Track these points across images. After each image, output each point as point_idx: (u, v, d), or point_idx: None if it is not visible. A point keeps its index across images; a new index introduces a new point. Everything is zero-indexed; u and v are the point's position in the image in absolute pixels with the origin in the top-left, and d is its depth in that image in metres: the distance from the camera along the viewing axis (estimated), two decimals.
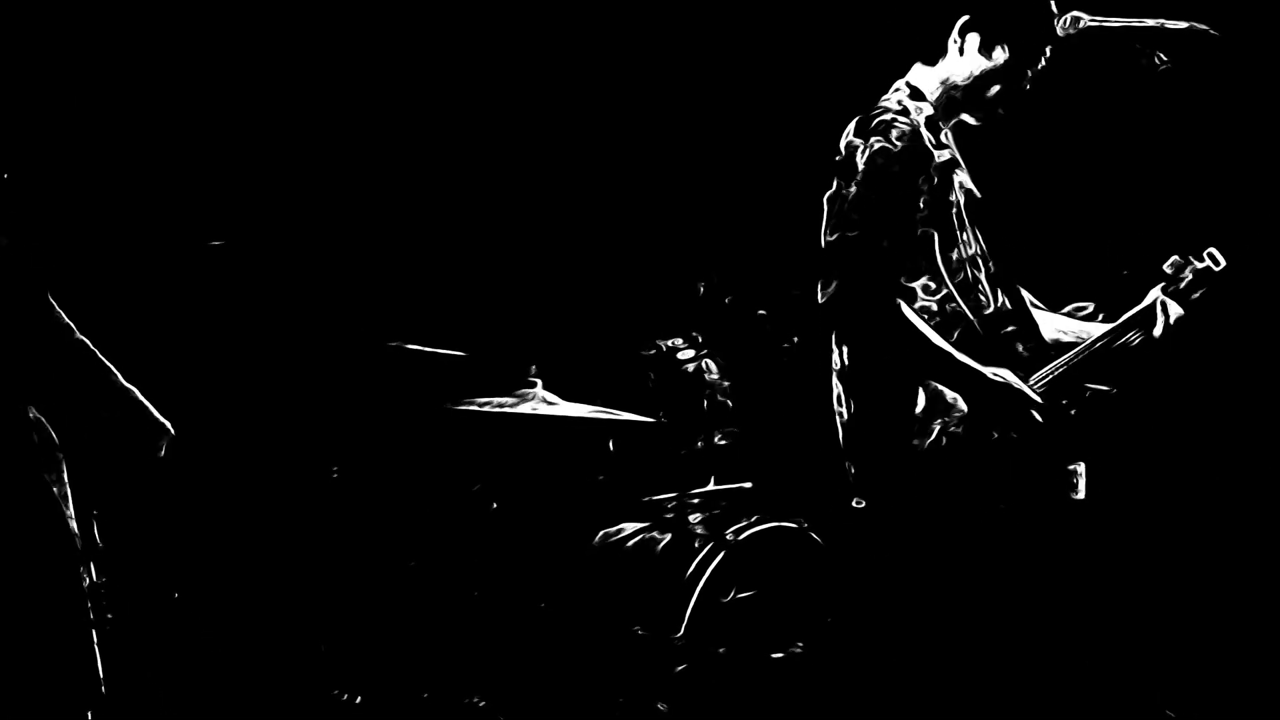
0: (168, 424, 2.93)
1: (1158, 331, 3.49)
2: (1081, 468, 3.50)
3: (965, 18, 3.51)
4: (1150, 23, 3.38)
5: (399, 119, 5.17)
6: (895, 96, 3.54)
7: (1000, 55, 3.52)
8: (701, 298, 4.77)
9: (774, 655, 4.27)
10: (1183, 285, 3.52)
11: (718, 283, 4.76)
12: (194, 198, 4.83)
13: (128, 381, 2.92)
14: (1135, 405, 3.62)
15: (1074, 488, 3.49)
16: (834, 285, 3.39)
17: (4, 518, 2.72)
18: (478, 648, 4.35)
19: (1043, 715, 3.49)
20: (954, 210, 3.52)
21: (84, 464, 2.80)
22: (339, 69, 5.08)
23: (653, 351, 4.64)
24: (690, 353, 4.61)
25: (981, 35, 3.51)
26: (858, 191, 3.40)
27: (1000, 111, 3.58)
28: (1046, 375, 3.49)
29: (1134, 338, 3.52)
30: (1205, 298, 3.50)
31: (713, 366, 4.60)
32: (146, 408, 2.92)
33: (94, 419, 2.83)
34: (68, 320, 2.87)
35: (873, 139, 3.42)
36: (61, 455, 2.77)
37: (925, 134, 3.49)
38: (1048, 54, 3.53)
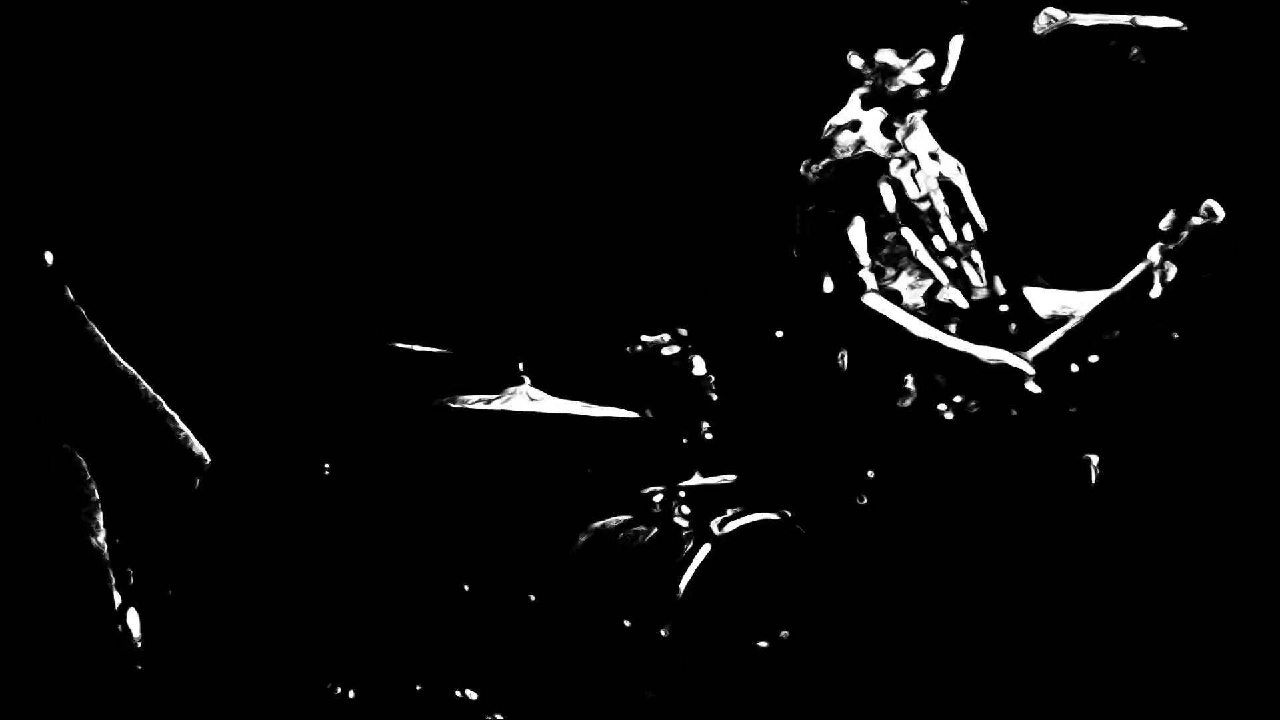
0: (205, 454, 2.73)
1: (1155, 293, 3.48)
2: (1095, 459, 3.52)
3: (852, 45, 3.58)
4: (1126, 20, 3.42)
5: (386, 119, 5.18)
6: (846, 110, 3.63)
7: (885, 56, 3.57)
8: (686, 292, 4.78)
9: (761, 646, 4.30)
10: (1180, 243, 3.48)
11: (702, 277, 4.78)
12: (181, 197, 4.83)
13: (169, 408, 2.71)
14: (1146, 393, 3.61)
15: (1088, 477, 3.51)
16: (807, 298, 3.47)
17: (37, 558, 2.57)
18: (468, 642, 4.37)
19: (1033, 708, 3.51)
20: (926, 204, 3.57)
21: (117, 499, 2.62)
22: (323, 68, 5.09)
23: (638, 347, 4.65)
24: (675, 348, 4.62)
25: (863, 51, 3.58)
26: (813, 211, 3.52)
27: (930, 95, 3.61)
28: (1041, 351, 3.51)
29: (1132, 304, 3.52)
30: (1204, 256, 3.47)
31: (698, 361, 4.62)
32: (188, 439, 2.72)
33: (132, 452, 2.64)
34: (107, 344, 2.68)
35: (819, 161, 3.52)
36: (96, 492, 2.60)
37: (878, 140, 3.57)
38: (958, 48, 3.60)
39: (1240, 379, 4.57)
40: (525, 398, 4.50)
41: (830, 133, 3.59)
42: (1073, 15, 3.43)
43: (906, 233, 3.54)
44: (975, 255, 3.62)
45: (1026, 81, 4.57)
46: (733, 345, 4.76)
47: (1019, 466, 3.48)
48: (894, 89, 3.62)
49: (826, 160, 3.55)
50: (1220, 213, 3.46)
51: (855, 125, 3.60)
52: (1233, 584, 4.46)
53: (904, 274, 3.53)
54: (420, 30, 5.20)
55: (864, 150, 3.55)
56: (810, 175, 3.54)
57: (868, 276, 3.46)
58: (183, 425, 2.67)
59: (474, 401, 4.45)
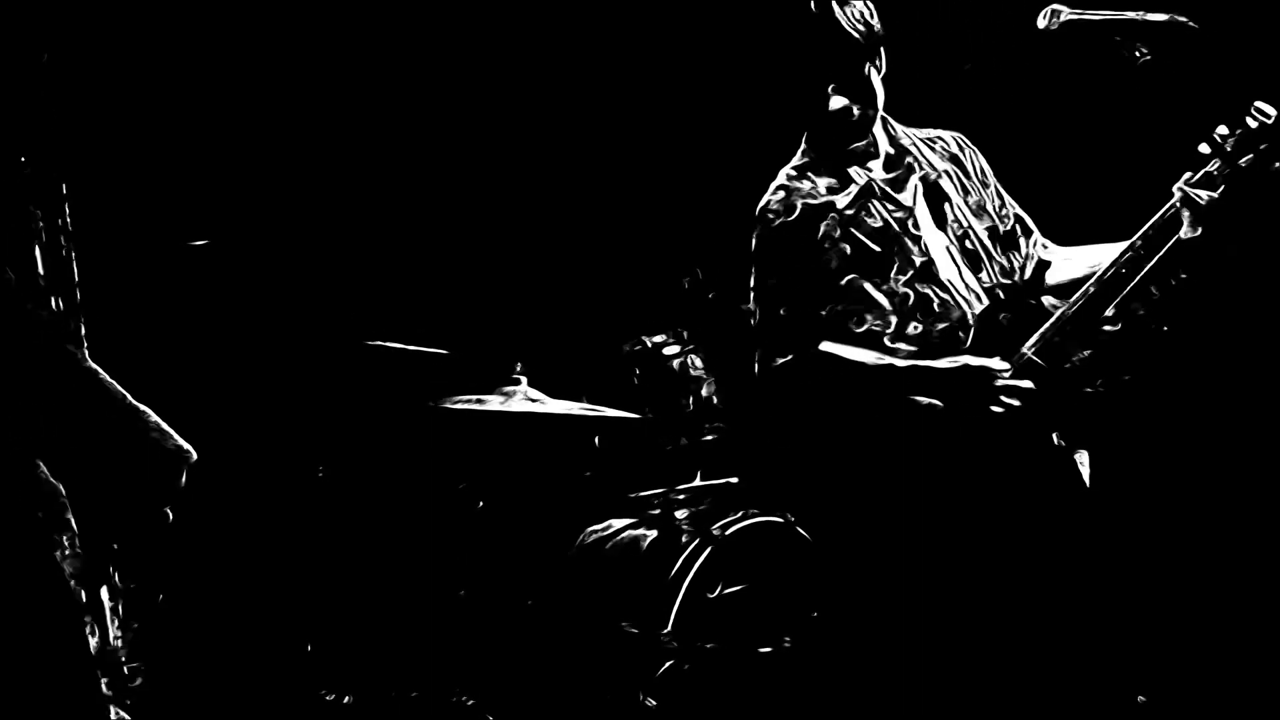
0: (190, 449, 2.51)
1: (1186, 232, 3.30)
2: (1085, 456, 3.49)
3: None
4: (1130, 15, 3.39)
5: (382, 118, 5.17)
6: (795, 158, 3.63)
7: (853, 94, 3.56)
8: (686, 293, 4.77)
9: (761, 650, 4.28)
10: (1220, 162, 3.28)
11: (702, 278, 4.76)
12: (176, 197, 4.82)
13: (140, 402, 2.50)
14: (1135, 388, 3.55)
15: (1078, 476, 3.48)
16: (764, 359, 3.49)
17: (7, 590, 2.43)
18: (465, 646, 4.36)
19: (1032, 709, 3.49)
20: (883, 237, 3.55)
21: (97, 518, 2.46)
22: (320, 67, 5.08)
23: (638, 348, 4.64)
24: (675, 348, 4.61)
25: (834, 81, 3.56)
26: (756, 280, 3.56)
27: (851, 122, 3.58)
28: (1044, 332, 3.45)
29: (1158, 249, 3.37)
30: (1255, 166, 3.24)
31: (698, 362, 4.60)
32: (166, 433, 2.50)
33: (106, 457, 2.46)
34: (75, 350, 2.52)
35: (755, 228, 3.55)
36: (71, 517, 2.45)
37: (825, 184, 3.56)
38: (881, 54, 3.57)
39: (1229, 373, 4.55)
40: (523, 398, 4.47)
41: (766, 198, 3.59)
42: (1077, 11, 3.40)
43: (860, 279, 3.53)
44: (949, 270, 3.59)
45: (1029, 77, 4.56)
46: (734, 345, 4.74)
47: (1009, 467, 3.46)
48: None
49: (762, 227, 3.56)
50: (1272, 112, 3.25)
51: (801, 173, 3.60)
52: (1224, 580, 4.45)
53: (869, 315, 3.52)
54: (417, 29, 5.19)
55: (800, 206, 3.55)
56: (752, 247, 3.56)
57: (823, 327, 3.47)
58: (159, 420, 2.51)
59: (471, 402, 4.43)
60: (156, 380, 4.20)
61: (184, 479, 2.53)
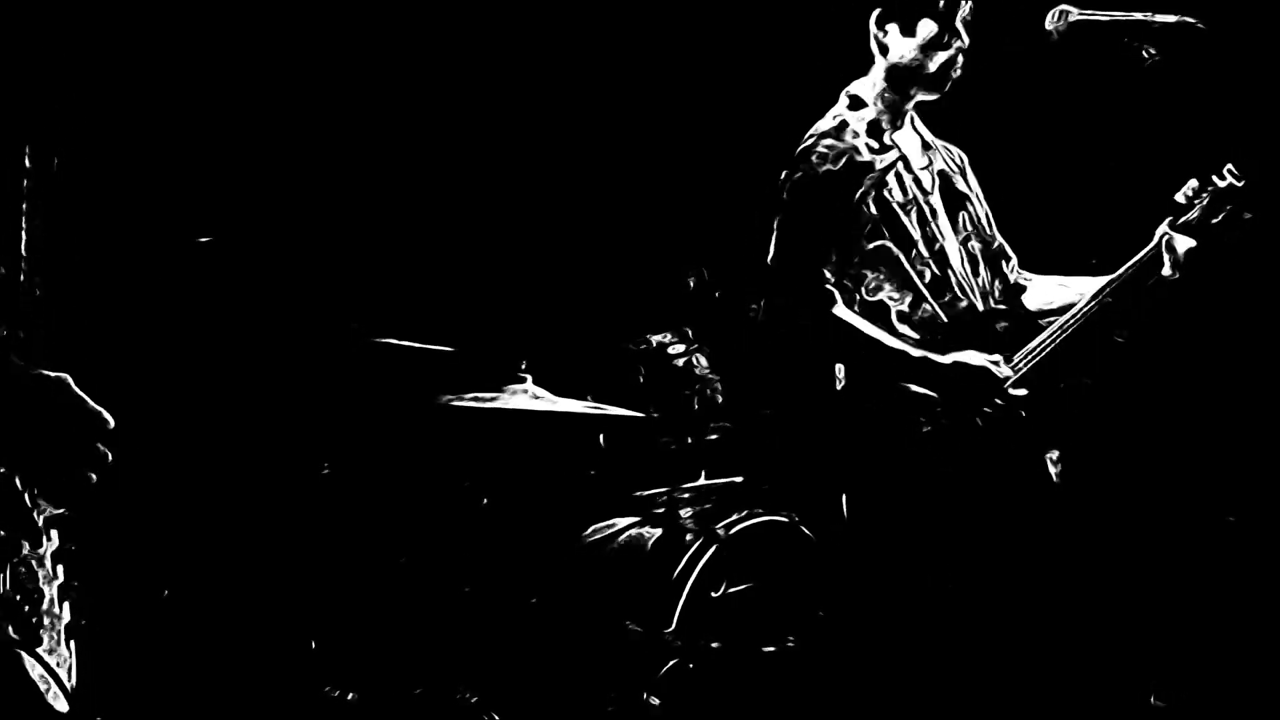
0: (107, 415, 2.37)
1: (1167, 271, 3.43)
2: (1055, 454, 3.51)
3: (877, 11, 3.58)
4: (1139, 16, 3.39)
5: (385, 115, 5.17)
6: (833, 113, 3.62)
7: (924, 30, 3.56)
8: (692, 292, 4.77)
9: (766, 649, 4.28)
10: (1197, 213, 3.43)
11: (708, 277, 4.76)
12: (180, 194, 4.82)
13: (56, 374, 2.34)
14: (1121, 387, 3.59)
15: (1049, 474, 3.50)
16: (773, 307, 3.49)
17: None
18: (469, 644, 4.35)
19: (1033, 707, 3.50)
20: (911, 211, 3.56)
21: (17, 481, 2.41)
22: (324, 65, 5.08)
23: (643, 346, 4.64)
24: (680, 347, 4.61)
25: (898, 21, 3.57)
26: (784, 220, 3.56)
27: (951, 77, 3.60)
28: (1033, 350, 3.49)
29: (1141, 285, 3.44)
30: (1226, 223, 3.40)
31: (703, 361, 4.60)
32: (83, 400, 2.37)
33: (22, 427, 2.31)
34: None
35: (796, 170, 3.53)
36: None
37: (864, 143, 3.56)
38: (966, 12, 3.57)
39: (1186, 376, 4.56)
40: (528, 396, 4.47)
41: (812, 140, 3.59)
42: (1085, 11, 3.41)
43: (888, 244, 3.53)
44: (958, 262, 3.60)
45: (1037, 77, 4.56)
46: (739, 344, 4.74)
47: (996, 468, 3.47)
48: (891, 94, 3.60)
49: (805, 168, 3.55)
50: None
51: (841, 128, 3.60)
52: (1192, 572, 4.46)
53: (887, 285, 3.52)
54: (419, 28, 5.19)
55: (846, 157, 3.54)
56: (787, 186, 3.55)
57: (838, 288, 3.47)
58: (75, 388, 2.44)
59: (475, 400, 4.43)
60: (159, 378, 4.22)
61: (103, 446, 2.47)
